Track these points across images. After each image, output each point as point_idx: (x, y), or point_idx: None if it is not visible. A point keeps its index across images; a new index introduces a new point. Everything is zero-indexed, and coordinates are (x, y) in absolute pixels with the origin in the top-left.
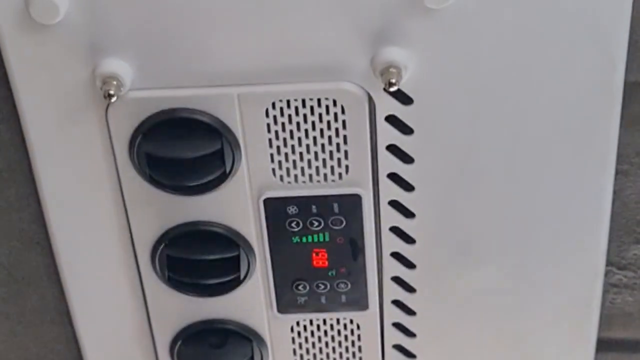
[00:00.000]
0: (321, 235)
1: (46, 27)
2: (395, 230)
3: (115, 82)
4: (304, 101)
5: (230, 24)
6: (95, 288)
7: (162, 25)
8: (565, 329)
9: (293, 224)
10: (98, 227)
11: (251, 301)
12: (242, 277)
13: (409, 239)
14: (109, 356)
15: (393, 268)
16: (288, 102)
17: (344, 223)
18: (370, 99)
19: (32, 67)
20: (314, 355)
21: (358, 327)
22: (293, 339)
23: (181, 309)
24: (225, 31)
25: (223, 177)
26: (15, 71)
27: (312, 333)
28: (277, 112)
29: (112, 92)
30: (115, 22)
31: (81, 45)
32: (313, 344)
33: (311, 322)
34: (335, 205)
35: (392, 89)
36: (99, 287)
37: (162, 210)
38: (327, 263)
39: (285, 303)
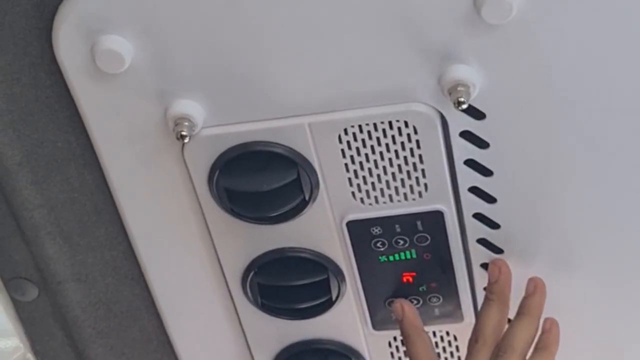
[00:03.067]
0: (407, 252)
1: (114, 76)
2: (483, 241)
3: (186, 123)
4: (375, 125)
5: (294, 54)
6: (192, 317)
7: (227, 62)
8: None
9: (379, 244)
10: (188, 259)
11: (346, 320)
12: (333, 298)
13: (496, 249)
14: None
15: (484, 278)
16: (360, 127)
17: (429, 239)
18: (442, 116)
19: (105, 114)
20: None
21: (455, 338)
22: (392, 353)
23: (278, 332)
24: (289, 62)
25: (303, 205)
26: (89, 119)
27: None
28: (350, 138)
29: (184, 132)
30: (181, 64)
31: (150, 89)
32: None
33: None
34: (419, 223)
35: (461, 108)
36: (195, 315)
37: (247, 240)
38: (416, 279)
39: (380, 320)
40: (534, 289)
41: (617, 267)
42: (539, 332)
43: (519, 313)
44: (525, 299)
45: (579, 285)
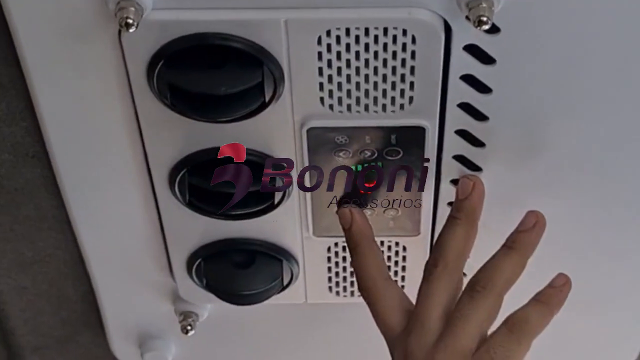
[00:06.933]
0: (372, 164)
1: None
2: (460, 158)
3: (133, 8)
4: (367, 29)
5: None
6: (98, 197)
7: None
8: None
9: (341, 153)
10: (104, 141)
11: (283, 223)
12: (275, 202)
13: (474, 167)
14: (115, 261)
15: (451, 194)
16: (347, 29)
17: (402, 153)
18: (446, 25)
19: None
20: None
21: (404, 248)
22: (329, 258)
23: (202, 227)
24: None
25: (262, 107)
26: None
27: None
28: (332, 40)
29: (130, 20)
30: None
31: None
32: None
33: None
34: (393, 137)
35: (483, 28)
36: (102, 196)
37: (183, 134)
38: (376, 190)
39: (324, 226)
40: (534, 225)
41: (607, 197)
42: (546, 285)
43: (507, 247)
44: (519, 232)
45: (561, 209)
